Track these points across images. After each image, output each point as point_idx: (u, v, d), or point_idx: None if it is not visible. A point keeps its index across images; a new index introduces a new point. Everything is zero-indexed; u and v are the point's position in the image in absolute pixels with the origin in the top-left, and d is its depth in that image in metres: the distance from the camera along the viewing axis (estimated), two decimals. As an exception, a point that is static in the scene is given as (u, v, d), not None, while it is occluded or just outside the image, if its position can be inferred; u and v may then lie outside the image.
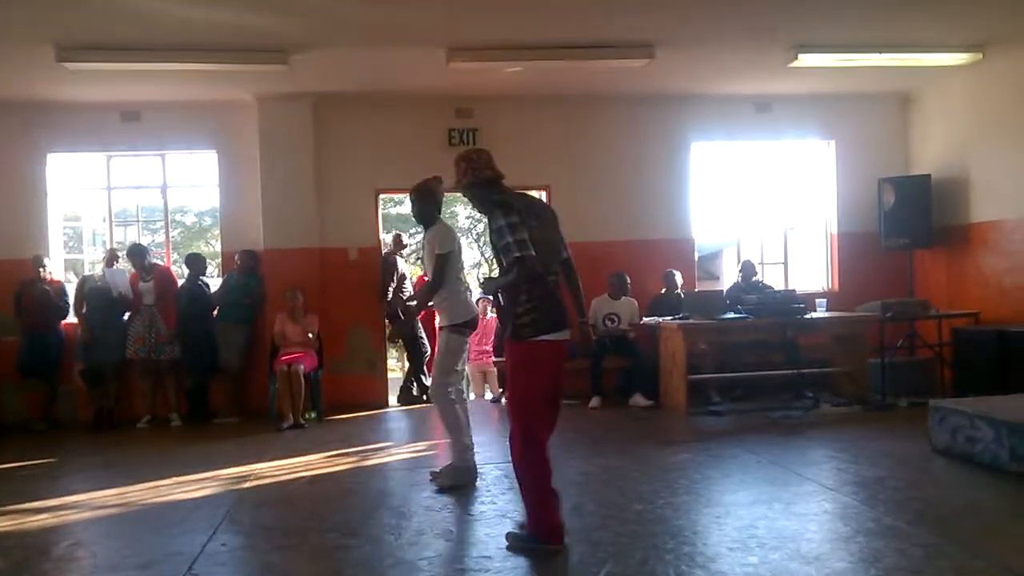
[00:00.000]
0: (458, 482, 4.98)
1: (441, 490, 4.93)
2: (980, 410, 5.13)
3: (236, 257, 8.32)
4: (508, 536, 3.89)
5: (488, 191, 3.89)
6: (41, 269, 7.86)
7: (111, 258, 8.18)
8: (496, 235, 3.63)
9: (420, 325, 8.70)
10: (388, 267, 8.45)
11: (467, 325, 5.11)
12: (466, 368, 5.45)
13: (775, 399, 7.70)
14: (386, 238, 9.84)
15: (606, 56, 7.14)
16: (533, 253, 3.55)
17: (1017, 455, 4.75)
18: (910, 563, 3.45)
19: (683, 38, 6.93)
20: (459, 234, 24.30)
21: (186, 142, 8.72)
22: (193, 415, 8.03)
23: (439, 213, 5.26)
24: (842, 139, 9.32)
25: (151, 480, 5.50)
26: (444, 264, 4.96)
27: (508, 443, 3.79)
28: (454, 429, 5.08)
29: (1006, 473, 4.81)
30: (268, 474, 5.65)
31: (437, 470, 5.18)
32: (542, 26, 6.57)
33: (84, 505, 4.97)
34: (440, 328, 5.21)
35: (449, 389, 5.06)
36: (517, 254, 3.53)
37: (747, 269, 8.55)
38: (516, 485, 3.90)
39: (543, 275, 3.69)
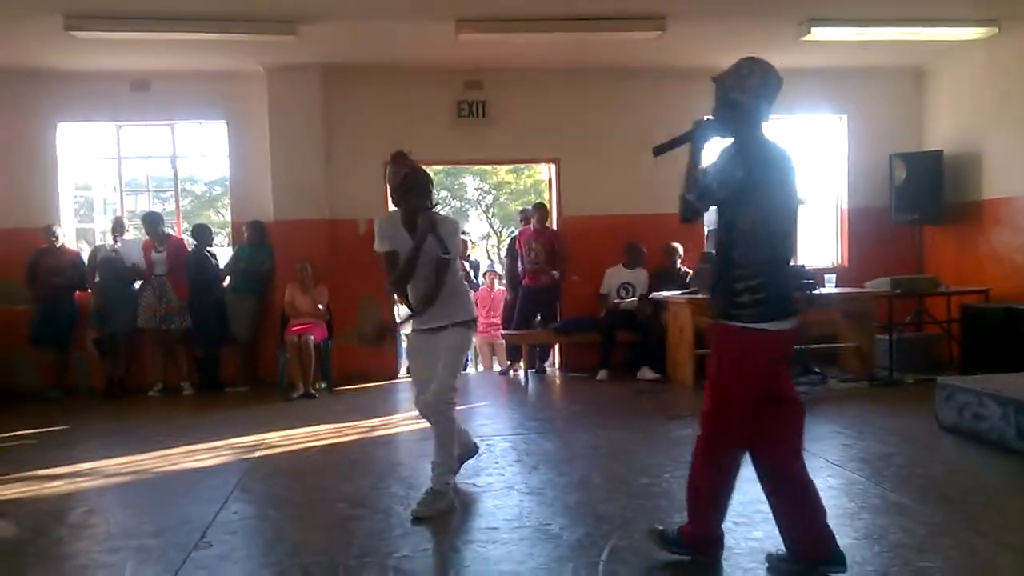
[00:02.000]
0: (437, 509, 4.05)
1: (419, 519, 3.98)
2: (988, 388, 5.14)
3: (244, 228, 8.33)
4: (653, 532, 3.40)
5: (748, 130, 3.04)
6: (53, 239, 7.92)
7: (118, 226, 8.22)
8: (709, 166, 3.00)
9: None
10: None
11: (475, 322, 4.35)
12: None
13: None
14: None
15: (617, 28, 7.08)
16: (702, 209, 3.10)
17: None
18: (914, 540, 3.48)
19: (695, 11, 6.86)
20: (469, 206, 23.83)
21: (196, 112, 8.70)
22: (204, 384, 8.11)
23: (429, 199, 4.17)
24: (854, 114, 9.24)
25: (163, 448, 5.58)
26: (449, 265, 4.09)
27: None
28: (450, 444, 4.18)
29: (1012, 451, 4.83)
30: (279, 444, 5.72)
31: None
32: (553, -3, 6.52)
33: (98, 472, 5.05)
34: (450, 326, 4.16)
35: (455, 398, 4.16)
36: (690, 196, 3.03)
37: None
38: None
39: (778, 252, 3.01)
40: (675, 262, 8.57)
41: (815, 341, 7.73)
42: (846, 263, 9.23)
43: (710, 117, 3.11)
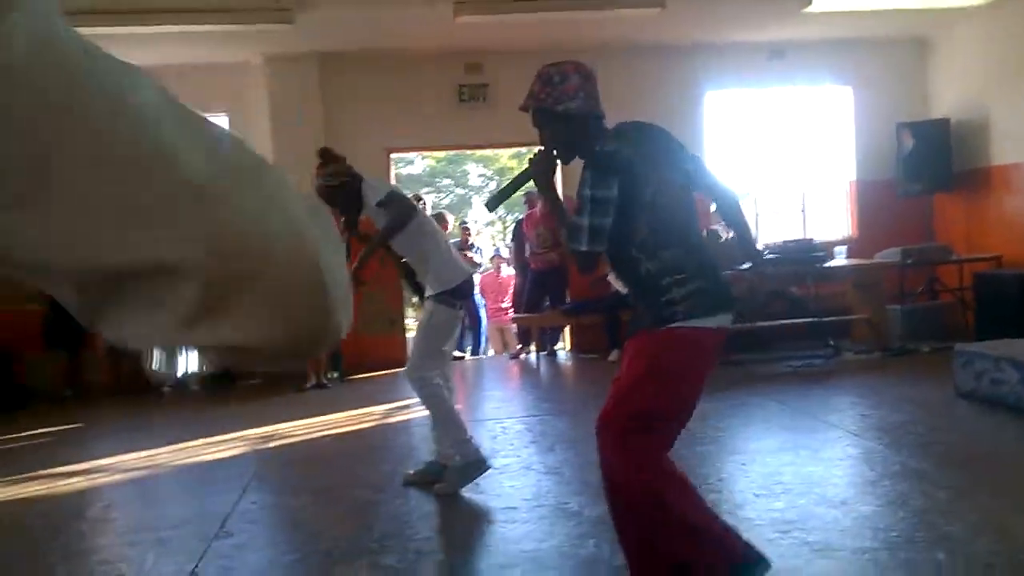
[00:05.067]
0: (468, 478, 4.08)
1: (447, 495, 4.03)
2: (1005, 353, 5.09)
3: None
4: None
5: (596, 130, 2.62)
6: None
7: None
8: (575, 208, 2.46)
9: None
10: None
11: (457, 293, 4.07)
12: (452, 350, 4.50)
13: (795, 348, 7.67)
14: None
15: (617, 5, 7.02)
16: (602, 248, 2.44)
17: (1042, 397, 4.73)
18: (937, 505, 3.45)
19: (696, -16, 6.81)
20: (472, 193, 23.75)
21: (196, 105, 8.46)
22: (216, 377, 8.11)
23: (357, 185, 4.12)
24: (859, 85, 9.15)
25: (178, 442, 5.56)
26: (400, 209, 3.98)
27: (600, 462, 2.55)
28: (447, 419, 4.09)
29: (1031, 415, 4.79)
30: (293, 433, 5.71)
31: (412, 471, 4.28)
32: (552, -25, 6.47)
33: (114, 468, 5.04)
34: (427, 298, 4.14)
35: (429, 375, 4.03)
36: (583, 248, 2.42)
37: None
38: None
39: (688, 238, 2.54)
40: None
41: (827, 313, 7.67)
42: (856, 235, 9.17)
43: (540, 148, 2.67)
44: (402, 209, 3.97)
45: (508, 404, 6.17)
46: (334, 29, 7.46)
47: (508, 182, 2.82)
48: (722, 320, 2.49)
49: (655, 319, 2.44)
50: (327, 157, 4.16)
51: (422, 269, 4.13)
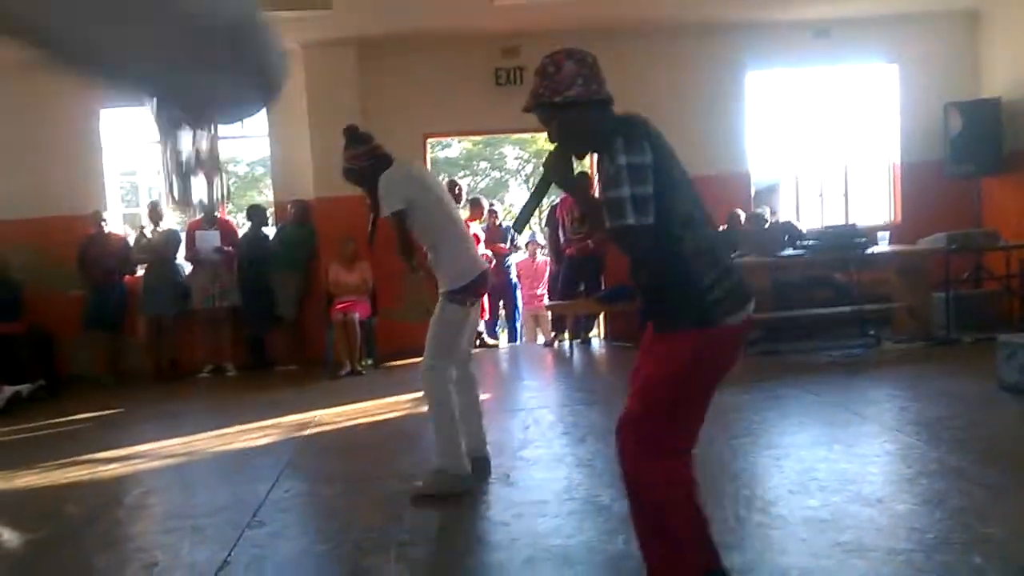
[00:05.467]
0: (443, 490, 3.85)
1: (419, 497, 3.87)
2: (1052, 345, 4.94)
3: (289, 207, 8.38)
4: None
5: (604, 114, 2.44)
6: (102, 223, 8.06)
7: (154, 212, 8.29)
8: (608, 182, 2.25)
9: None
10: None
11: (468, 291, 3.95)
12: (471, 343, 4.38)
13: (835, 337, 7.53)
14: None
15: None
16: (651, 221, 2.23)
17: (1091, 391, 4.58)
18: (975, 505, 3.36)
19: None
20: (509, 176, 23.58)
21: (234, 93, 8.72)
22: (254, 364, 8.22)
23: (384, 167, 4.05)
24: (906, 62, 8.88)
25: (215, 429, 5.66)
26: (400, 223, 3.96)
27: (618, 452, 2.52)
28: (442, 423, 3.90)
29: (1079, 410, 4.65)
30: (328, 421, 5.77)
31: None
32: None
33: (152, 454, 5.14)
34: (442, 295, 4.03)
35: (442, 373, 3.95)
36: (630, 221, 2.21)
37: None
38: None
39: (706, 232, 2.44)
40: (736, 227, 8.32)
41: (868, 301, 7.51)
42: (899, 220, 8.94)
43: (552, 149, 2.56)
44: (400, 241, 4.03)
45: (540, 393, 6.16)
46: (371, 14, 7.45)
47: (529, 197, 2.73)
48: (750, 309, 2.46)
49: (698, 319, 2.34)
50: (351, 138, 4.15)
51: (434, 262, 4.08)
